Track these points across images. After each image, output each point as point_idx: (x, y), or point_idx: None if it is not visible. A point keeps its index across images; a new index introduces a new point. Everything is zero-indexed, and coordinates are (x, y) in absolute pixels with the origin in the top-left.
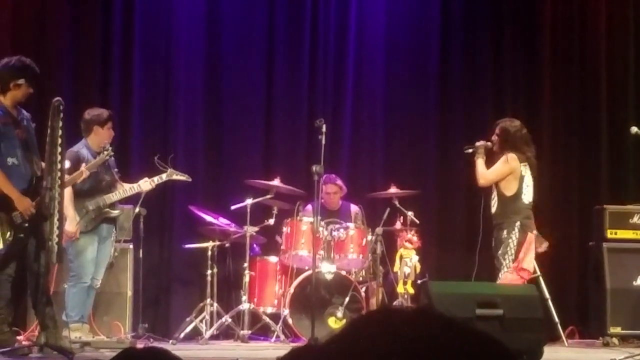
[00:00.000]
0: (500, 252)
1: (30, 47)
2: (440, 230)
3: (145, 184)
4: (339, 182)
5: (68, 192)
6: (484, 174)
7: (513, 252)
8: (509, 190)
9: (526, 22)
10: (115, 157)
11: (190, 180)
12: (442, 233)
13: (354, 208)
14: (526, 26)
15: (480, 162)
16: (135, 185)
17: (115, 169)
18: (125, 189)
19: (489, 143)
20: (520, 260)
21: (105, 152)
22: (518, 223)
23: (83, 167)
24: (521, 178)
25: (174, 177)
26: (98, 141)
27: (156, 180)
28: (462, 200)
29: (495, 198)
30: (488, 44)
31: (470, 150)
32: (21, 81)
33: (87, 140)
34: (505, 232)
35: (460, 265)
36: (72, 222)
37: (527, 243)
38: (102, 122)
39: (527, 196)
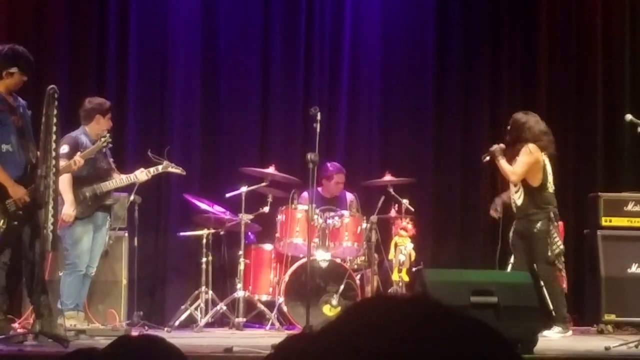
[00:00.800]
0: (540, 249)
1: (26, 37)
2: (435, 218)
3: (142, 175)
4: (344, 171)
5: (67, 177)
6: (513, 170)
7: (561, 249)
8: (535, 180)
9: (523, 14)
10: (111, 146)
11: (184, 174)
12: (437, 221)
13: (350, 196)
14: (523, 18)
15: (503, 162)
16: (131, 175)
17: (111, 159)
18: (122, 178)
19: (502, 145)
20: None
21: (102, 139)
22: (551, 213)
23: (78, 155)
24: (544, 167)
25: (170, 169)
26: (98, 130)
27: (152, 171)
28: (457, 188)
29: (521, 190)
30: (485, 34)
31: (488, 158)
32: (14, 69)
33: (86, 127)
34: (539, 224)
35: (455, 253)
36: (71, 206)
37: (561, 233)
38: (105, 111)
39: (551, 185)
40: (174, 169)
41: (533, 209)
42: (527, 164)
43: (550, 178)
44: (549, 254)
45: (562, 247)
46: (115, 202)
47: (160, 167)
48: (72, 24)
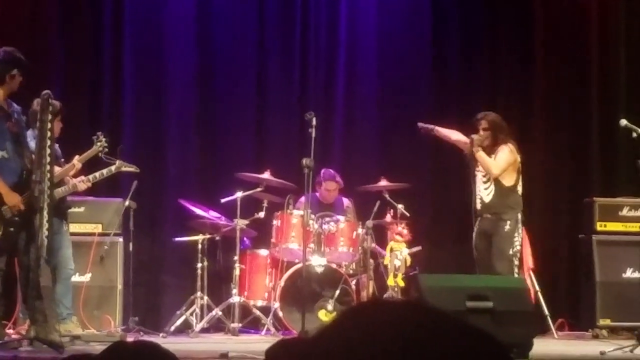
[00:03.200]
0: (505, 248)
1: (21, 41)
2: (431, 223)
3: (81, 185)
4: (338, 178)
5: None
6: (496, 163)
7: (518, 249)
8: (509, 180)
9: (520, 15)
10: (107, 150)
11: (138, 171)
12: (433, 226)
13: (346, 201)
14: (520, 20)
15: (483, 154)
16: (70, 184)
17: (62, 159)
18: (69, 186)
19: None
20: (525, 257)
21: (99, 144)
22: (519, 216)
23: (76, 159)
24: (519, 169)
25: (123, 169)
26: None
27: (98, 175)
28: (453, 193)
29: (492, 187)
30: (481, 36)
31: (429, 126)
32: (15, 72)
33: (34, 131)
34: (508, 224)
35: (451, 258)
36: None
37: (525, 238)
38: (54, 114)
39: (520, 188)
40: (128, 168)
41: (503, 208)
42: (508, 163)
43: (521, 181)
44: (510, 252)
45: (518, 247)
46: (69, 208)
47: (113, 168)
48: (67, 27)
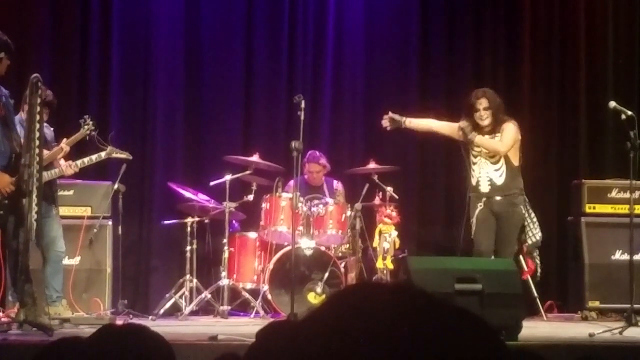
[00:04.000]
0: (514, 232)
1: (8, 25)
2: (420, 205)
3: (68, 169)
4: (323, 160)
5: None
6: (501, 142)
7: (537, 233)
8: (516, 159)
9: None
10: (95, 132)
11: (130, 158)
12: (422, 208)
13: (336, 183)
14: (507, 4)
15: (483, 138)
16: (57, 169)
17: (54, 143)
18: (56, 170)
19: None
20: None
21: (86, 127)
22: (525, 197)
23: (64, 142)
24: (521, 148)
25: (114, 155)
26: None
27: (87, 161)
28: (442, 176)
29: (503, 168)
30: (469, 19)
31: (396, 117)
32: (2, 55)
33: (22, 114)
34: (521, 207)
35: (440, 241)
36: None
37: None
38: (48, 105)
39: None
40: (119, 154)
41: (514, 190)
42: (514, 140)
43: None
44: (529, 242)
45: (540, 235)
46: (56, 191)
47: (103, 154)
48: (54, 12)
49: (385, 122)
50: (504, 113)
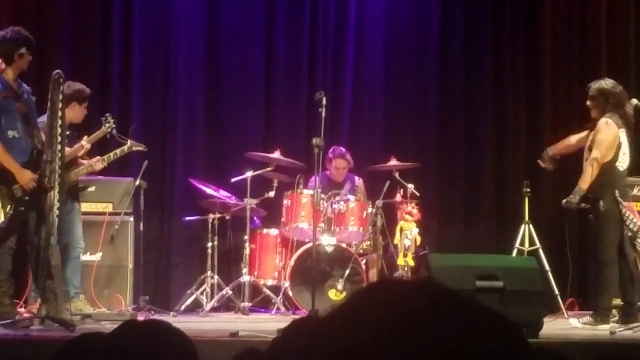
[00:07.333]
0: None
1: (29, 22)
2: (441, 202)
3: (98, 164)
4: (348, 156)
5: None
6: (596, 151)
7: (634, 222)
8: (605, 157)
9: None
10: (115, 130)
11: (146, 149)
12: (443, 205)
13: (357, 180)
14: (527, 4)
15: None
16: (87, 164)
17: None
18: (85, 166)
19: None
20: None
21: (107, 125)
22: (617, 192)
23: (85, 139)
24: (619, 145)
25: (134, 148)
26: (71, 117)
27: (112, 156)
28: (462, 173)
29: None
30: (489, 19)
31: (545, 155)
32: (23, 50)
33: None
34: (601, 203)
35: (460, 238)
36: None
37: (631, 210)
38: (82, 99)
39: (622, 163)
40: (138, 147)
41: (600, 188)
42: (609, 140)
43: (623, 157)
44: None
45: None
46: (84, 189)
47: (125, 148)
48: (76, 8)
49: (548, 165)
50: (618, 100)
